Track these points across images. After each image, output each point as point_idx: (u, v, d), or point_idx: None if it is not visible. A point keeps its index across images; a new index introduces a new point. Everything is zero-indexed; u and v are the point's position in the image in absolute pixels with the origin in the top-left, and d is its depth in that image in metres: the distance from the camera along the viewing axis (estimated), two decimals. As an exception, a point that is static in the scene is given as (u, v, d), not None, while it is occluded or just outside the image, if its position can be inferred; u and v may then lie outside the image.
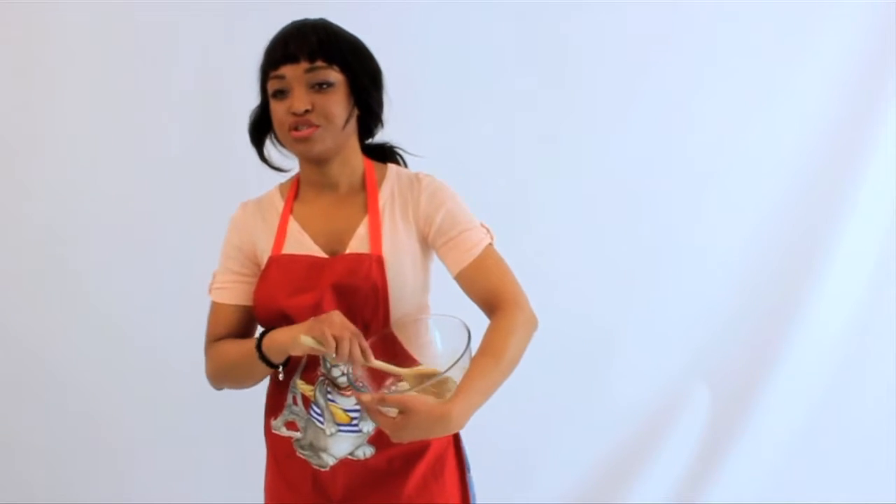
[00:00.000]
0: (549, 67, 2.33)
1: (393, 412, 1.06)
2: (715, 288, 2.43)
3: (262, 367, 1.23)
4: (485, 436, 2.25)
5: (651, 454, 2.46)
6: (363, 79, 1.25)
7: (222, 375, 1.31)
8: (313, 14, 1.29)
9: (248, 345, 1.24)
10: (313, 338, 1.11)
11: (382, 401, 1.06)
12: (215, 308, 1.33)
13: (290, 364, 1.26)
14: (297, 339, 1.13)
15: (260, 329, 1.27)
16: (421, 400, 1.05)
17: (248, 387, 1.30)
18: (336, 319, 1.13)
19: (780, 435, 2.45)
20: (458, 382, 1.10)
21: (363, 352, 1.12)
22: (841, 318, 2.43)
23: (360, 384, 1.12)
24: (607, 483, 2.47)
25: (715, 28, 2.33)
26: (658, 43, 2.33)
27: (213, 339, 1.32)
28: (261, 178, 1.38)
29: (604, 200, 2.38)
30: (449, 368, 1.07)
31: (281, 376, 1.26)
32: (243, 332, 1.32)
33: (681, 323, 2.44)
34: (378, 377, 1.16)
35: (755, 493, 2.44)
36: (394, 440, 1.08)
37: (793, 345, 2.42)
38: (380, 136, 1.38)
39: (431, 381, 1.08)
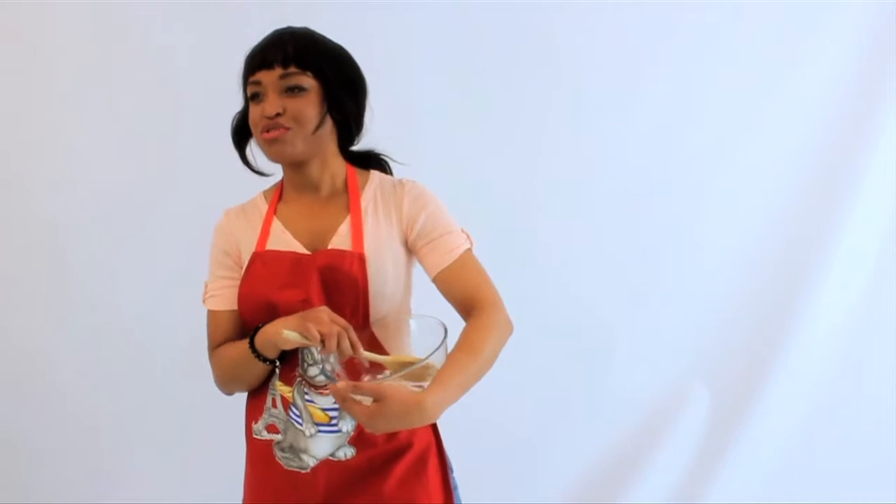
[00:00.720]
0: (551, 67, 2.33)
1: (367, 401, 1.06)
2: (715, 288, 2.43)
3: (261, 364, 1.25)
4: (484, 436, 2.27)
5: (651, 454, 2.46)
6: (337, 86, 1.27)
7: (227, 379, 1.32)
8: (314, 15, 1.30)
9: (244, 344, 1.26)
10: (299, 333, 1.13)
11: (356, 388, 1.06)
12: (212, 316, 1.35)
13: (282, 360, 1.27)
14: (281, 335, 1.15)
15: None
16: (395, 388, 1.05)
17: (254, 386, 1.31)
18: (324, 316, 1.14)
19: (780, 435, 2.44)
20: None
21: (353, 345, 1.14)
22: (841, 318, 2.43)
23: (336, 377, 1.13)
24: (607, 483, 2.47)
25: (716, 28, 2.33)
26: (660, 42, 2.33)
27: (215, 347, 1.34)
28: (261, 179, 1.39)
29: (604, 201, 2.38)
30: (426, 358, 1.08)
31: (277, 371, 1.27)
32: (243, 335, 1.33)
33: (681, 323, 2.44)
34: (355, 373, 1.16)
35: (755, 493, 2.44)
36: (368, 430, 1.08)
37: (792, 345, 2.42)
38: (376, 140, 1.39)
39: (406, 371, 1.09)
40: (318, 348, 1.13)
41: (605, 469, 2.47)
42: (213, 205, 1.43)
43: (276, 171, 1.37)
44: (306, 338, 1.12)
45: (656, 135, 2.37)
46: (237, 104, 1.34)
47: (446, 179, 1.42)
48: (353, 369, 1.16)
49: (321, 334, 1.12)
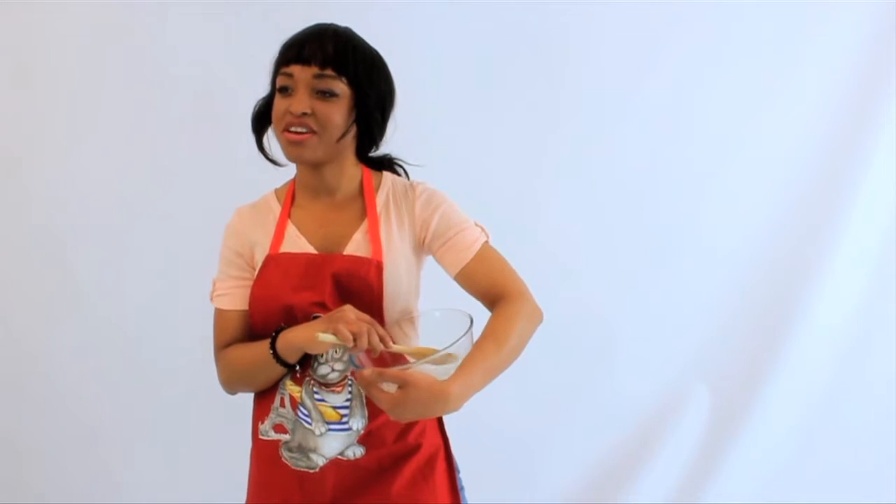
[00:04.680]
0: (553, 66, 2.33)
1: (392, 388, 1.06)
2: (715, 288, 2.43)
3: (279, 368, 1.24)
4: (485, 436, 2.27)
5: (651, 454, 2.47)
6: (369, 98, 1.25)
7: (237, 380, 1.31)
8: (316, 15, 1.29)
9: (261, 347, 1.24)
10: (332, 334, 1.12)
11: (382, 375, 1.06)
12: (220, 315, 1.33)
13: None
14: (315, 338, 1.13)
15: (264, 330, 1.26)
16: (421, 375, 1.06)
17: (263, 388, 1.30)
18: (350, 315, 1.14)
19: (780, 435, 2.45)
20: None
21: (382, 339, 1.14)
22: (841, 317, 2.43)
23: (360, 365, 1.13)
24: (607, 483, 2.47)
25: (717, 27, 2.34)
26: (661, 41, 2.33)
27: (222, 346, 1.32)
28: (261, 180, 1.39)
29: (604, 200, 2.39)
30: (450, 345, 1.08)
31: (297, 372, 1.26)
32: (251, 335, 1.32)
33: (681, 323, 2.44)
34: (378, 364, 1.16)
35: (755, 493, 2.44)
36: (392, 417, 1.08)
37: (793, 345, 2.42)
38: (385, 141, 1.37)
39: (430, 358, 1.09)
40: (350, 347, 1.12)
41: (605, 469, 2.47)
42: (215, 205, 1.43)
43: (290, 164, 1.34)
44: (338, 339, 1.12)
45: (657, 134, 2.37)
46: (240, 106, 1.33)
47: (446, 179, 1.42)
48: (376, 361, 1.17)
49: (352, 333, 1.11)
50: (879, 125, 2.34)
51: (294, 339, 1.20)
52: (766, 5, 2.31)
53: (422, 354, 1.15)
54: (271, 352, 1.22)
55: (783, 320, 2.43)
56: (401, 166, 1.41)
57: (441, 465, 1.32)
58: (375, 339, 1.12)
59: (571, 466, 2.47)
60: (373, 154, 1.37)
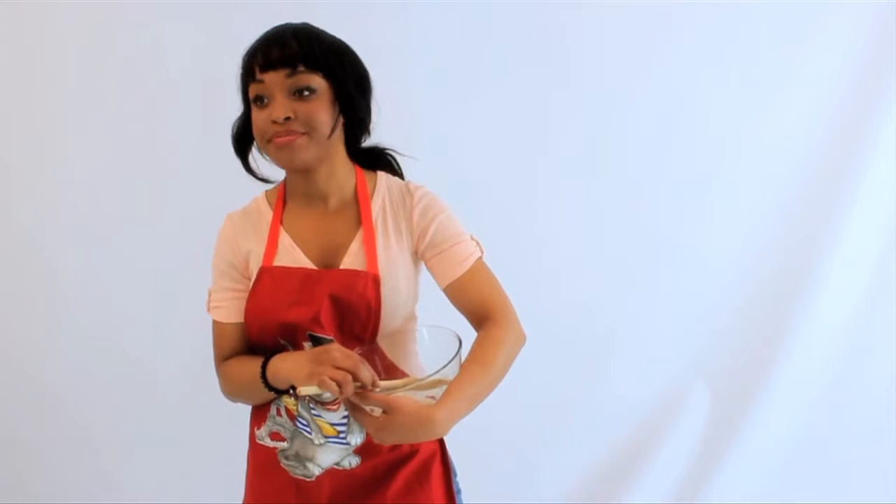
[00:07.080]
0: (552, 64, 2.32)
1: (377, 412, 1.06)
2: (715, 288, 2.43)
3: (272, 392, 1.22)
4: (485, 436, 2.26)
5: (651, 454, 2.46)
6: (348, 84, 1.20)
7: (236, 395, 1.29)
8: (310, 14, 1.27)
9: (254, 370, 1.21)
10: (317, 386, 1.08)
11: (365, 398, 1.05)
12: (218, 327, 1.30)
13: None
14: (300, 383, 1.10)
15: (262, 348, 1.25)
16: (406, 400, 1.05)
17: (262, 403, 1.29)
18: (336, 355, 1.08)
19: (780, 435, 2.44)
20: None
21: (371, 379, 1.09)
22: (841, 317, 2.42)
23: None
24: (607, 483, 2.47)
25: (717, 27, 2.32)
26: (660, 41, 2.32)
27: (222, 358, 1.30)
28: (257, 185, 1.37)
29: (604, 200, 2.38)
30: (438, 371, 1.07)
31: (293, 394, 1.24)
32: (251, 347, 1.30)
33: (681, 322, 2.43)
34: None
35: (755, 493, 2.44)
36: (376, 440, 1.08)
37: (793, 345, 2.41)
38: (378, 138, 1.34)
39: (416, 384, 1.07)
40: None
41: (605, 469, 2.47)
42: (208, 208, 1.41)
43: (281, 178, 1.32)
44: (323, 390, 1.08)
45: (657, 135, 2.36)
46: (234, 106, 1.30)
47: (445, 179, 1.41)
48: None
49: (336, 382, 1.05)
50: (879, 126, 2.33)
51: (282, 372, 1.16)
52: (765, 6, 2.30)
53: (409, 384, 1.13)
54: (263, 380, 1.19)
55: (783, 320, 2.42)
56: (394, 158, 1.36)
57: (437, 467, 1.31)
58: (366, 376, 1.07)
59: (571, 467, 2.46)
60: (364, 145, 1.32)
